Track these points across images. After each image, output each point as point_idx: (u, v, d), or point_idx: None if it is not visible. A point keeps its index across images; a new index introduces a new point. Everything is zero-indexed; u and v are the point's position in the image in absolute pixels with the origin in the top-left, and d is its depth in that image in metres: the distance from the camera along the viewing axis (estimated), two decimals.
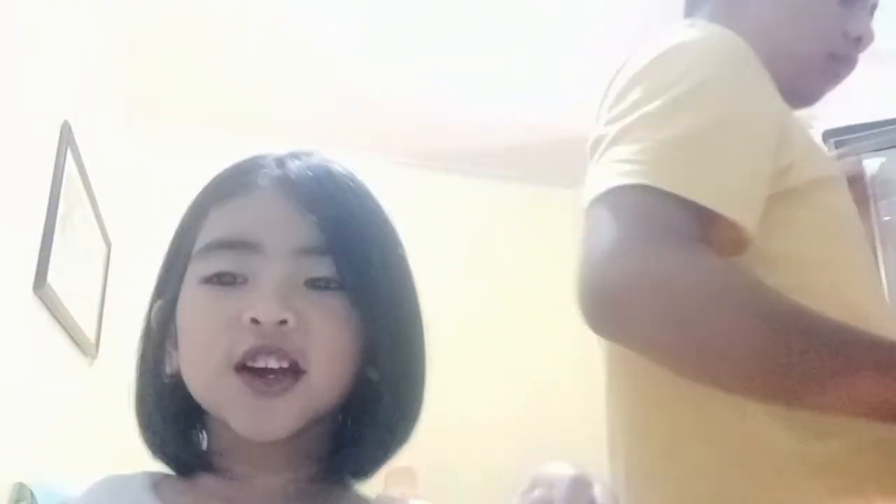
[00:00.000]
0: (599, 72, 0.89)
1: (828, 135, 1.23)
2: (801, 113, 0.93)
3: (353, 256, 0.56)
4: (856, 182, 1.07)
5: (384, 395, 0.57)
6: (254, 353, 0.53)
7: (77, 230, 2.06)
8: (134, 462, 0.60)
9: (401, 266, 0.61)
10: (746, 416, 0.71)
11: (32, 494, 1.58)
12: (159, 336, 0.59)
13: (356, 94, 2.85)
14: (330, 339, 0.54)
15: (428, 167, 3.29)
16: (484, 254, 3.30)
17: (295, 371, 0.53)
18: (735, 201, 0.71)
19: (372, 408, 0.56)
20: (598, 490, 0.41)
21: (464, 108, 2.97)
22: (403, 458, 0.60)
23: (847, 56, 0.93)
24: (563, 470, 0.42)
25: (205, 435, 0.59)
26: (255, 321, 0.52)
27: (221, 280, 0.55)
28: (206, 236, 0.57)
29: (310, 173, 0.59)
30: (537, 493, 0.41)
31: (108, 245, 2.54)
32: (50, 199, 1.82)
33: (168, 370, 0.58)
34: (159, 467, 0.60)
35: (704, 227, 0.70)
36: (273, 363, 0.53)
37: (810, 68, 0.93)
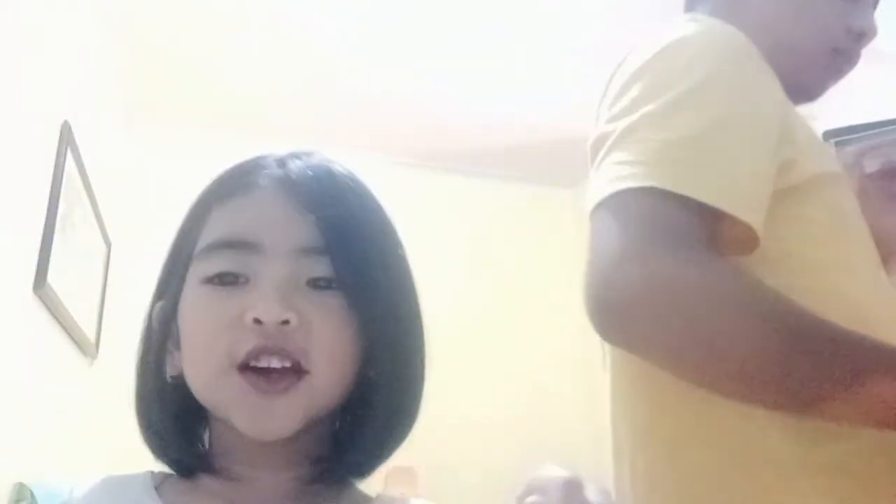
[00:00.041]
0: (599, 72, 0.88)
1: (828, 135, 1.23)
2: (802, 111, 0.92)
3: (352, 256, 0.56)
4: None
5: (383, 395, 0.57)
6: (256, 354, 0.53)
7: (77, 230, 2.07)
8: (134, 462, 0.60)
9: (400, 266, 0.61)
10: (748, 418, 0.71)
11: (32, 494, 1.58)
12: (160, 336, 0.59)
13: (356, 94, 2.86)
14: (331, 339, 0.54)
15: (428, 167, 3.29)
16: (484, 254, 3.30)
17: (297, 371, 0.53)
18: (742, 201, 0.70)
19: (371, 407, 0.56)
20: (590, 491, 0.42)
21: (464, 108, 2.98)
22: (403, 458, 0.60)
23: (850, 51, 0.92)
24: (555, 473, 0.42)
25: (207, 436, 0.59)
26: (257, 321, 0.52)
27: (223, 280, 0.55)
28: (207, 236, 0.57)
29: (310, 173, 0.59)
30: (531, 499, 0.41)
31: (108, 245, 2.54)
32: (50, 199, 1.82)
33: (170, 371, 0.58)
34: (161, 467, 0.60)
35: (711, 229, 0.70)
36: (276, 363, 0.53)
37: (812, 63, 0.92)
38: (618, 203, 0.71)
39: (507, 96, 2.88)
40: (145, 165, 2.88)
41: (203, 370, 0.55)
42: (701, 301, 0.65)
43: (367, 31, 2.52)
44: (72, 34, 2.05)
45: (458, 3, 2.39)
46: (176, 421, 0.57)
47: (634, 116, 0.76)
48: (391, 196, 0.63)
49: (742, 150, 0.73)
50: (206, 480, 0.57)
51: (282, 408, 0.53)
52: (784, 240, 0.75)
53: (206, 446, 0.59)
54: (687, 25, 0.83)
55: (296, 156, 0.61)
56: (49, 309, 1.85)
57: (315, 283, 0.55)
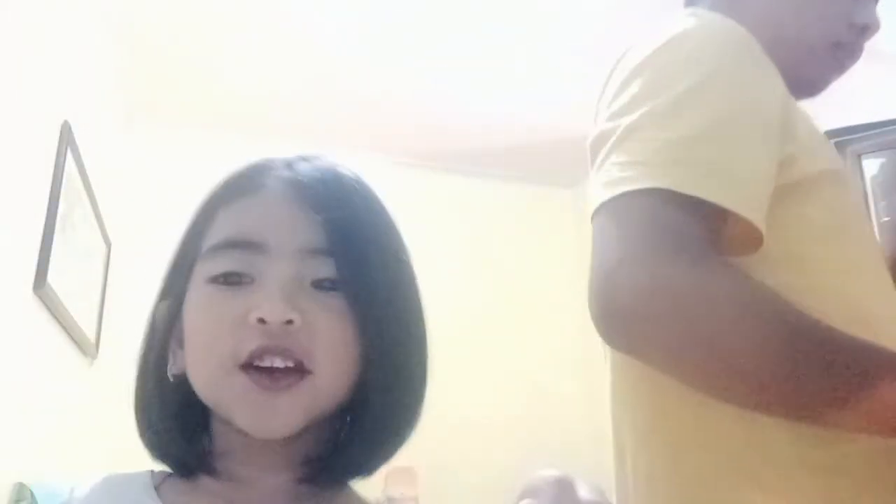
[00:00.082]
0: (599, 72, 0.88)
1: (828, 135, 1.22)
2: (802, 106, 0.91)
3: (356, 258, 0.56)
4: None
5: (384, 397, 0.57)
6: (260, 353, 0.53)
7: (77, 230, 2.07)
8: (134, 462, 0.60)
9: (403, 270, 0.61)
10: (748, 421, 0.70)
11: (32, 494, 1.58)
12: (163, 335, 0.59)
13: (356, 94, 2.86)
14: (334, 340, 0.55)
15: (428, 167, 3.29)
16: (484, 254, 3.30)
17: (300, 371, 0.54)
18: (747, 200, 0.70)
19: (372, 409, 0.57)
20: (582, 489, 0.42)
21: (464, 108, 2.98)
22: (403, 458, 0.60)
23: (853, 45, 0.91)
24: (546, 474, 0.42)
25: (207, 436, 0.59)
26: (261, 321, 0.52)
27: (228, 280, 0.55)
28: (213, 236, 0.57)
29: (318, 175, 0.59)
30: (524, 503, 0.41)
31: (108, 245, 2.54)
32: (50, 199, 1.82)
33: (173, 369, 0.58)
34: (161, 467, 0.60)
35: (714, 230, 0.69)
36: (279, 363, 0.53)
37: (814, 57, 0.91)
38: (621, 206, 0.71)
39: (507, 96, 2.88)
40: (145, 165, 2.88)
41: (206, 368, 0.55)
42: (704, 307, 0.65)
43: (367, 31, 2.52)
44: (72, 34, 2.05)
45: (458, 3, 2.39)
46: (177, 420, 0.57)
47: (635, 115, 0.75)
48: (391, 196, 0.63)
49: (744, 148, 0.72)
50: (206, 481, 0.57)
51: (284, 405, 0.53)
52: (785, 240, 0.74)
53: (207, 447, 0.59)
54: (687, 20, 0.82)
55: (303, 158, 0.61)
56: (49, 309, 1.85)
57: (319, 285, 0.55)
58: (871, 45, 0.94)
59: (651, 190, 0.69)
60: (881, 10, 0.94)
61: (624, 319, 0.68)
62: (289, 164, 0.60)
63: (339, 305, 0.55)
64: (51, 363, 1.95)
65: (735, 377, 0.66)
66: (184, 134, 2.97)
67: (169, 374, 0.58)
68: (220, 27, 2.49)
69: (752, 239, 0.71)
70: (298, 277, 0.55)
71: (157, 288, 0.61)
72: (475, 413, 2.95)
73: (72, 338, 2.11)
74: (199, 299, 0.56)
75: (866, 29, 0.91)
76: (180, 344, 0.58)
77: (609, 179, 0.73)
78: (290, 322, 0.52)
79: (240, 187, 0.59)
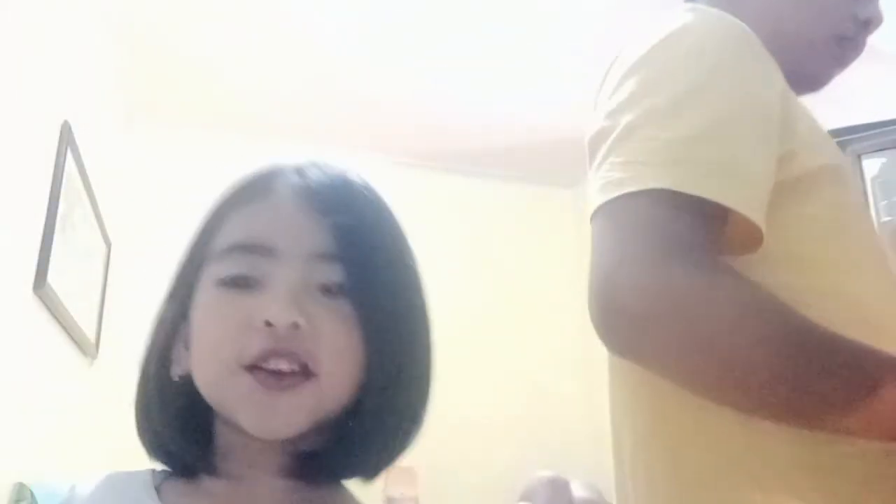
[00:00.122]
0: (599, 72, 0.88)
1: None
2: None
3: (364, 264, 0.56)
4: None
5: (387, 402, 0.57)
6: (266, 356, 0.53)
7: (77, 230, 2.07)
8: (134, 462, 0.60)
9: (409, 276, 0.61)
10: (748, 424, 0.70)
11: (32, 494, 1.58)
12: (169, 336, 0.59)
13: (356, 94, 2.86)
14: (340, 345, 0.55)
15: (428, 167, 3.29)
16: (484, 254, 3.30)
17: (305, 374, 0.54)
18: (749, 199, 0.69)
19: (375, 413, 0.57)
20: (576, 488, 0.42)
21: (464, 108, 2.98)
22: (403, 458, 0.60)
23: (855, 39, 0.90)
24: (541, 475, 0.43)
25: (209, 437, 0.59)
26: (268, 324, 0.53)
27: (236, 283, 0.55)
28: (222, 240, 0.58)
29: (328, 181, 0.59)
30: None
31: (108, 245, 2.54)
32: (50, 199, 1.82)
33: (178, 370, 0.58)
34: (162, 467, 0.60)
35: (715, 231, 0.69)
36: (284, 366, 0.53)
37: (817, 52, 0.90)
38: (621, 207, 0.70)
39: (507, 96, 2.88)
40: (145, 165, 2.88)
41: (211, 369, 0.55)
42: (705, 308, 0.65)
43: (367, 31, 2.52)
44: (72, 34, 2.05)
45: (458, 3, 2.39)
46: (179, 421, 0.58)
47: (634, 113, 0.74)
48: (391, 196, 0.63)
49: (744, 146, 0.72)
50: (206, 481, 0.58)
51: (287, 406, 0.53)
52: (785, 239, 0.74)
53: (208, 447, 0.59)
54: (685, 15, 0.81)
55: (313, 164, 0.61)
56: (49, 309, 1.85)
57: (326, 289, 0.55)
58: (871, 45, 0.93)
59: (651, 191, 0.69)
60: (881, 10, 0.93)
61: (624, 320, 0.67)
62: (299, 170, 0.60)
63: (345, 310, 0.55)
64: (51, 363, 1.95)
65: (734, 379, 0.65)
66: (184, 134, 2.97)
67: (174, 375, 0.58)
68: (220, 27, 2.49)
69: (752, 238, 0.70)
70: (306, 282, 0.55)
71: (164, 289, 0.62)
72: (475, 413, 2.95)
73: (72, 338, 2.11)
74: (207, 301, 0.57)
75: (869, 23, 0.90)
76: (186, 345, 0.58)
77: (609, 180, 0.73)
78: (296, 326, 0.53)
79: (250, 192, 0.60)
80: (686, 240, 0.67)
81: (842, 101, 1.09)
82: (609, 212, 0.72)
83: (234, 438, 0.56)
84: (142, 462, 0.60)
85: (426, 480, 2.66)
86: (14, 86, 1.59)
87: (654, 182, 0.69)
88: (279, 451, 0.56)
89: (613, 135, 0.75)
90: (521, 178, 3.47)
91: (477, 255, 3.28)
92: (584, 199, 0.78)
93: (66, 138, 1.90)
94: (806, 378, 0.64)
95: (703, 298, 0.65)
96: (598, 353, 0.88)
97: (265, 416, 0.53)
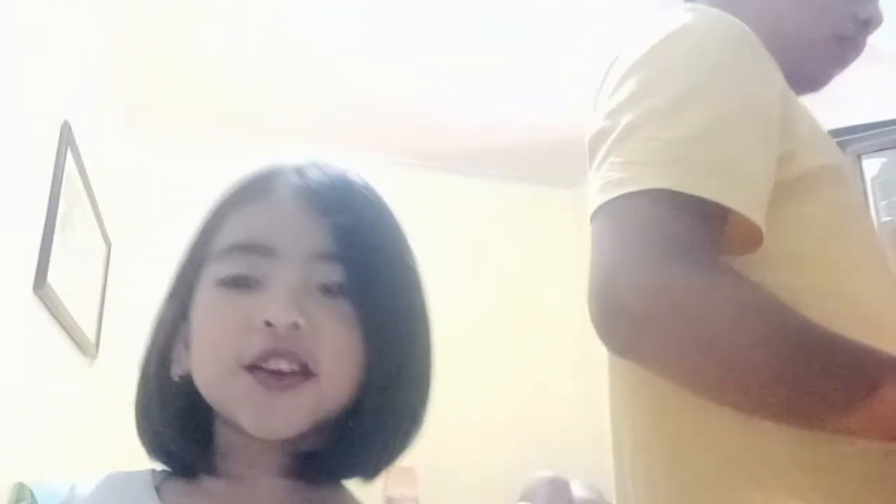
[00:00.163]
0: (599, 72, 0.88)
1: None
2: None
3: (364, 265, 0.56)
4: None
5: (387, 402, 0.57)
6: (266, 356, 0.53)
7: (77, 230, 2.07)
8: (134, 462, 0.60)
9: (409, 276, 0.61)
10: (748, 423, 0.70)
11: (32, 494, 1.58)
12: (169, 336, 0.59)
13: (356, 94, 2.86)
14: (340, 345, 0.55)
15: (428, 167, 3.29)
16: (484, 254, 3.30)
17: (305, 374, 0.54)
18: (749, 199, 0.69)
19: (375, 413, 0.57)
20: (576, 487, 0.42)
21: (464, 108, 2.98)
22: (403, 458, 0.60)
23: (855, 39, 0.90)
24: (541, 475, 0.43)
25: (209, 437, 0.59)
26: (268, 324, 0.53)
27: (236, 283, 0.55)
28: (222, 240, 0.58)
29: (327, 181, 0.60)
30: None
31: (108, 245, 2.54)
32: (50, 199, 1.82)
33: (178, 370, 0.58)
34: (162, 467, 0.60)
35: (715, 231, 0.69)
36: (284, 366, 0.53)
37: (817, 52, 0.90)
38: (621, 207, 0.70)
39: (507, 96, 2.88)
40: (145, 165, 2.88)
41: (211, 369, 0.55)
42: (705, 308, 0.65)
43: (367, 31, 2.52)
44: (72, 34, 2.05)
45: (458, 3, 2.39)
46: (179, 421, 0.58)
47: (634, 113, 0.74)
48: (391, 196, 0.63)
49: (744, 146, 0.72)
50: (206, 482, 0.58)
51: (287, 406, 0.53)
52: (785, 239, 0.74)
53: (207, 447, 0.59)
54: (685, 15, 0.81)
55: (314, 164, 0.61)
56: (49, 309, 1.85)
57: (326, 289, 0.56)
58: (871, 45, 0.93)
59: (651, 191, 0.69)
60: (881, 10, 0.93)
61: (624, 320, 0.67)
62: (299, 170, 0.60)
63: (345, 310, 0.55)
64: (51, 363, 1.95)
65: (734, 379, 0.65)
66: (184, 134, 2.97)
67: (174, 376, 0.58)
68: (220, 27, 2.49)
69: (752, 238, 0.70)
70: (306, 282, 0.55)
71: (164, 289, 0.62)
72: (475, 413, 2.95)
73: (72, 338, 2.11)
74: (207, 301, 0.57)
75: (869, 23, 0.90)
76: (186, 345, 0.58)
77: (609, 180, 0.73)
78: (296, 326, 0.53)
79: (250, 192, 0.60)
80: (686, 240, 0.67)
81: (842, 101, 1.09)
82: (609, 212, 0.72)
83: (234, 438, 0.56)
84: (142, 462, 0.60)
85: (426, 480, 2.66)
86: (14, 86, 1.59)
87: (654, 182, 0.69)
88: (279, 451, 0.56)
89: (613, 135, 0.75)
90: (521, 178, 3.47)
91: (477, 255, 3.28)
92: (584, 199, 0.78)
93: (66, 138, 1.90)
94: (806, 378, 0.64)
95: (704, 298, 0.65)
96: (598, 353, 0.88)
97: (265, 416, 0.53)
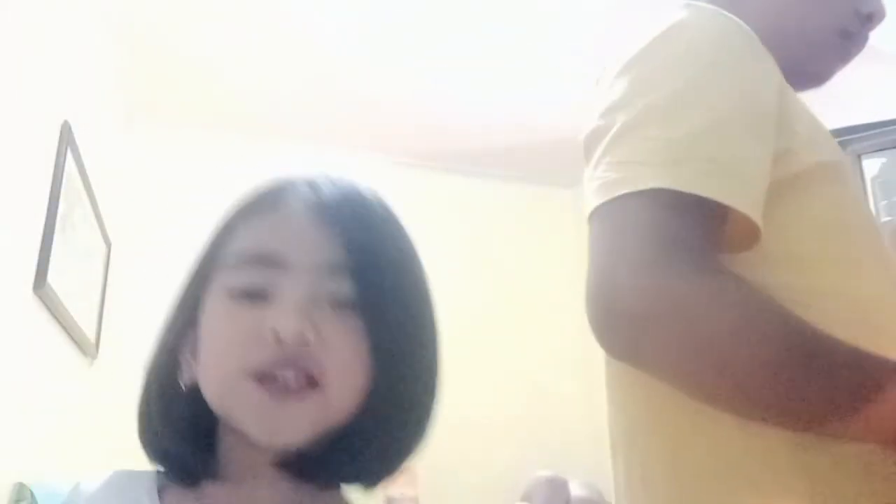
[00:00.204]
0: (599, 72, 0.88)
1: None
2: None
3: (375, 279, 0.56)
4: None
5: (393, 413, 0.57)
6: (273, 366, 0.53)
7: (77, 230, 2.07)
8: (134, 462, 0.60)
9: (419, 289, 0.61)
10: (746, 426, 0.70)
11: (32, 494, 1.58)
12: (175, 344, 0.59)
13: (356, 94, 2.86)
14: (348, 358, 0.55)
15: (428, 167, 3.29)
16: (484, 254, 3.30)
17: (312, 385, 0.54)
18: (747, 197, 0.69)
19: (380, 424, 0.57)
20: (574, 487, 0.42)
21: (464, 108, 2.98)
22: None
23: (858, 34, 0.90)
24: (539, 475, 0.43)
25: (212, 443, 0.59)
26: (276, 335, 0.53)
27: (246, 293, 0.55)
28: (233, 250, 0.58)
29: (339, 194, 0.60)
30: None
31: (108, 245, 2.54)
32: (50, 199, 1.82)
33: (185, 379, 0.58)
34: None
35: (714, 230, 0.69)
36: (291, 376, 0.53)
37: (819, 47, 0.89)
38: (619, 207, 0.70)
39: (507, 96, 2.88)
40: (145, 165, 2.88)
41: (218, 378, 0.55)
42: (705, 310, 0.64)
43: (367, 31, 2.52)
44: (72, 34, 2.05)
45: (458, 3, 2.39)
46: (184, 428, 0.58)
47: (631, 112, 0.74)
48: (391, 196, 0.63)
49: (741, 145, 0.71)
50: (209, 488, 0.58)
51: (293, 415, 0.53)
52: (785, 239, 0.73)
53: (211, 453, 0.59)
54: (680, 13, 0.81)
55: (325, 177, 0.62)
56: (49, 309, 1.85)
57: (336, 302, 0.56)
58: (872, 45, 0.93)
59: (649, 191, 0.69)
60: (883, 4, 0.93)
61: (624, 322, 0.67)
62: (311, 183, 0.60)
63: (354, 324, 0.55)
64: (51, 363, 1.95)
65: (734, 380, 0.65)
66: (184, 134, 2.97)
67: (181, 384, 0.58)
68: (220, 27, 2.49)
69: (749, 236, 0.70)
70: (316, 294, 0.55)
71: (172, 297, 0.61)
72: (475, 413, 2.95)
73: (72, 338, 2.11)
74: (217, 311, 0.57)
75: (871, 17, 0.89)
76: (193, 353, 0.58)
77: (606, 180, 0.72)
78: (305, 338, 0.53)
79: (261, 203, 0.60)
80: (685, 240, 0.67)
81: (842, 101, 1.09)
82: (607, 212, 0.71)
83: (236, 445, 0.56)
84: (141, 462, 0.60)
85: (426, 480, 2.66)
86: (14, 86, 1.59)
87: (653, 182, 0.69)
88: (281, 457, 0.56)
89: (609, 134, 0.75)
90: (521, 178, 3.47)
91: (477, 255, 3.28)
92: (584, 199, 0.77)
93: (66, 138, 1.90)
94: (805, 380, 0.64)
95: (704, 300, 0.65)
96: (598, 353, 0.88)
97: (271, 425, 0.53)
